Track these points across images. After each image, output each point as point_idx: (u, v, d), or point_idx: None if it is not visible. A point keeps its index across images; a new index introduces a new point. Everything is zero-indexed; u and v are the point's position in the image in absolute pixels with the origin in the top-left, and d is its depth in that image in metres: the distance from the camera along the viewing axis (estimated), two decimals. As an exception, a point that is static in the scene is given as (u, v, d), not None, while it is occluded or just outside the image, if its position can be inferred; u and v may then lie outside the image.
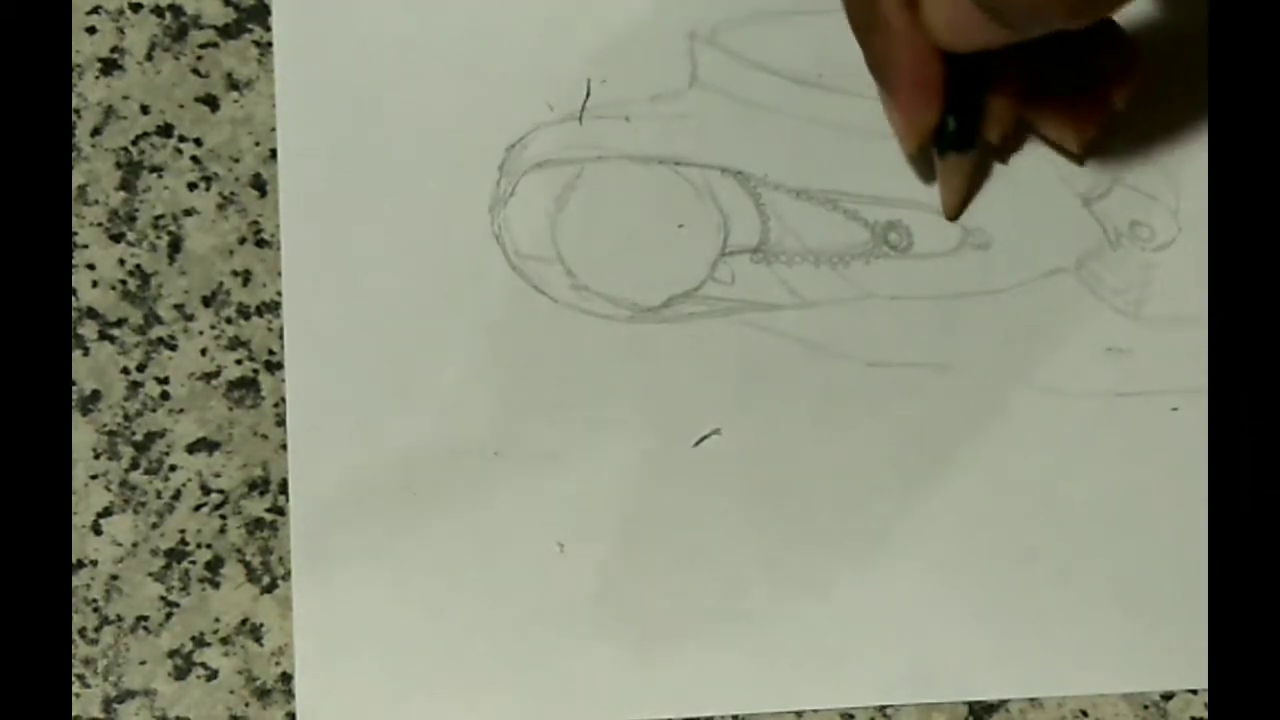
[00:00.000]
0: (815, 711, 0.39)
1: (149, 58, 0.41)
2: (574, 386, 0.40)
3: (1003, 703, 0.39)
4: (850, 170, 0.41)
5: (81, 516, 0.39)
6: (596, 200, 0.41)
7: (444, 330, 0.40)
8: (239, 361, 0.40)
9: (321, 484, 0.39)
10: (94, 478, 0.39)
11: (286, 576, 0.39)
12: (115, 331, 0.40)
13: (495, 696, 0.38)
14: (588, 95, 0.41)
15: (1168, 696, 0.39)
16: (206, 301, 0.40)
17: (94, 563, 0.39)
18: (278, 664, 0.39)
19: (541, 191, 0.41)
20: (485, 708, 0.38)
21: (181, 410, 0.40)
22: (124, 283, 0.40)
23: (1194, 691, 0.39)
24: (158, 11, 0.42)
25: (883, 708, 0.39)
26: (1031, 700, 0.39)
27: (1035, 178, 0.41)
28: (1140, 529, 0.40)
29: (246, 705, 0.39)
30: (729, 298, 0.40)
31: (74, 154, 0.41)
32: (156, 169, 0.41)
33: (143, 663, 0.39)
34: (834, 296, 0.40)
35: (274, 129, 0.41)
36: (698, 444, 0.39)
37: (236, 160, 0.41)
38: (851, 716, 0.39)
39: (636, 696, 0.38)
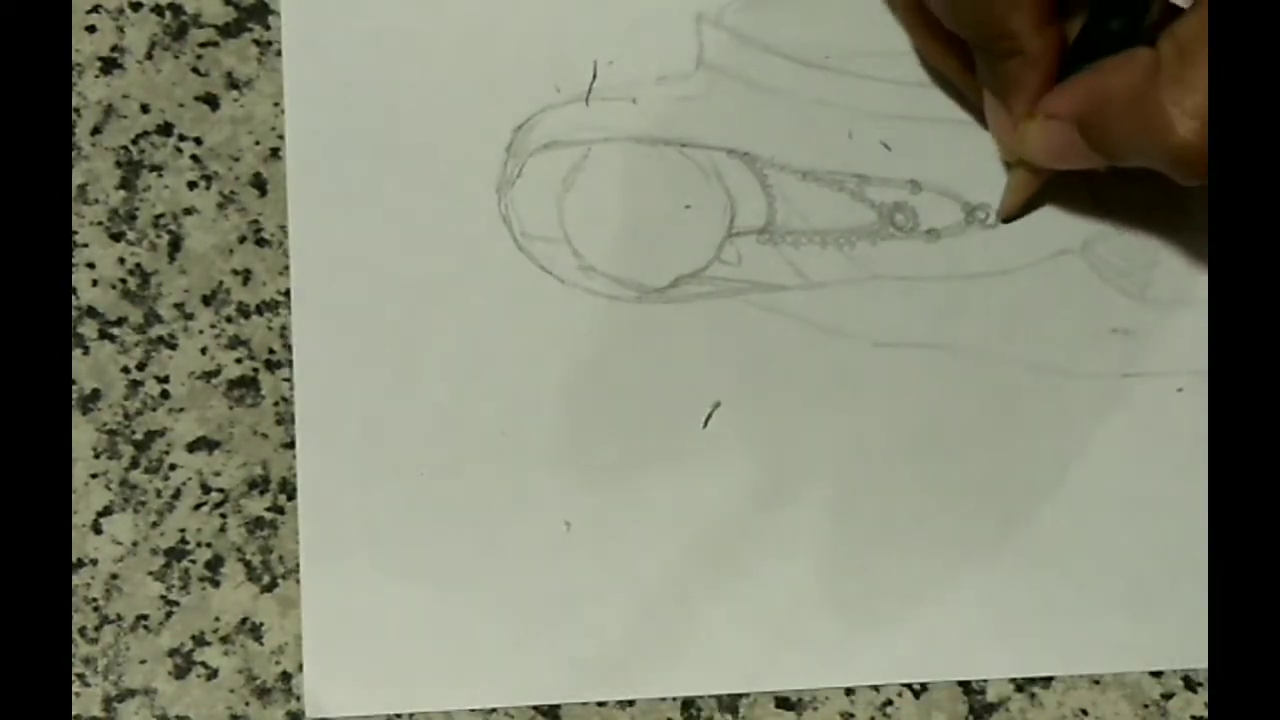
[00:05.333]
0: (814, 694, 0.39)
1: (149, 57, 0.41)
2: (581, 366, 0.40)
3: (1002, 701, 0.39)
4: (857, 152, 0.41)
5: (81, 516, 0.39)
6: (603, 181, 0.41)
7: (451, 310, 0.40)
8: (239, 360, 0.40)
9: (328, 466, 0.39)
10: (94, 477, 0.39)
11: (287, 575, 0.39)
12: (115, 330, 0.40)
13: (501, 676, 0.39)
14: (594, 77, 0.41)
15: (1168, 696, 0.39)
16: (206, 300, 0.40)
17: (94, 562, 0.39)
18: (278, 663, 0.39)
19: (548, 172, 0.41)
20: (491, 687, 0.39)
21: (181, 409, 0.40)
22: (124, 282, 0.40)
23: (1194, 690, 0.39)
24: (158, 10, 0.42)
25: (883, 706, 0.39)
26: (1032, 698, 0.39)
27: None
28: (1146, 510, 0.40)
29: (246, 704, 0.39)
30: (736, 278, 0.40)
31: (74, 153, 0.41)
32: (156, 168, 0.41)
33: (143, 662, 0.39)
34: (840, 277, 0.41)
35: (274, 128, 0.41)
36: (705, 423, 0.40)
37: (236, 159, 0.41)
38: (852, 716, 0.39)
39: (641, 675, 0.39)
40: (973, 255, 0.41)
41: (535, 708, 0.39)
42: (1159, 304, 0.41)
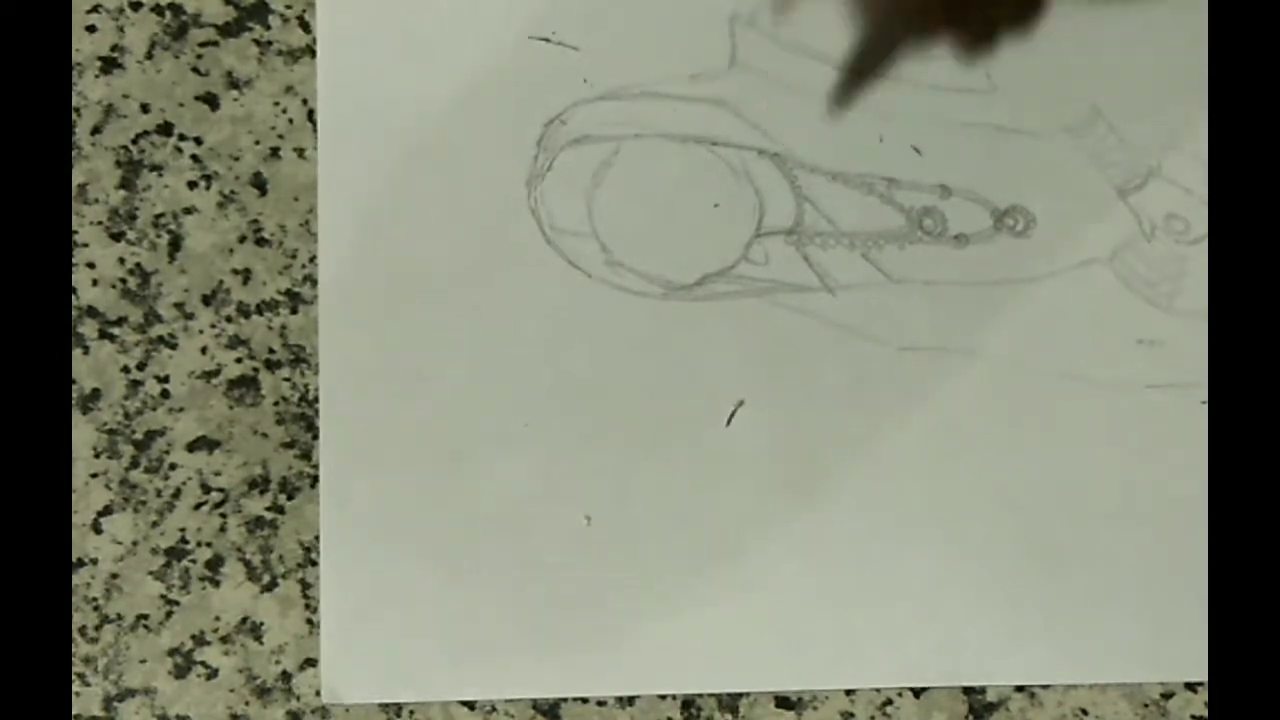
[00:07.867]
0: (814, 693, 0.39)
1: (149, 56, 0.41)
2: (605, 361, 0.40)
3: (1002, 701, 0.39)
4: (887, 155, 0.41)
5: (82, 515, 0.39)
6: (633, 177, 0.41)
7: (477, 302, 0.40)
8: (239, 360, 0.40)
9: (350, 455, 0.39)
10: (94, 476, 0.39)
11: (287, 575, 0.39)
12: (115, 330, 0.40)
13: (520, 665, 0.39)
14: (628, 73, 0.41)
15: (1168, 695, 0.39)
16: (206, 300, 0.40)
17: (94, 561, 0.39)
18: (278, 663, 0.39)
19: (578, 167, 0.41)
20: (510, 676, 0.39)
21: (181, 409, 0.40)
22: (124, 281, 0.40)
23: (1194, 690, 0.39)
24: (158, 10, 0.42)
25: (883, 705, 0.39)
26: (1032, 698, 0.39)
27: (1072, 168, 0.41)
28: (1167, 521, 0.40)
29: (246, 704, 0.39)
30: (762, 278, 0.41)
31: (74, 153, 0.41)
32: (156, 167, 0.41)
33: (143, 661, 0.39)
34: (867, 280, 0.41)
35: (274, 127, 0.41)
36: (729, 421, 0.40)
37: (236, 159, 0.41)
38: (852, 715, 0.39)
39: (653, 669, 0.39)
40: (1000, 262, 0.41)
41: (535, 705, 0.39)
42: (1186, 315, 0.41)
